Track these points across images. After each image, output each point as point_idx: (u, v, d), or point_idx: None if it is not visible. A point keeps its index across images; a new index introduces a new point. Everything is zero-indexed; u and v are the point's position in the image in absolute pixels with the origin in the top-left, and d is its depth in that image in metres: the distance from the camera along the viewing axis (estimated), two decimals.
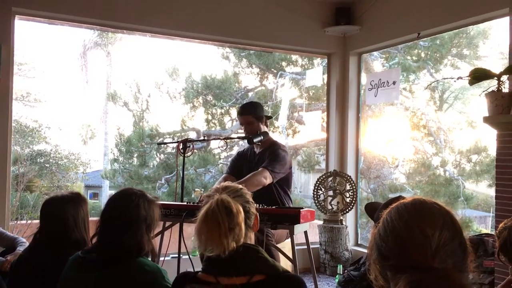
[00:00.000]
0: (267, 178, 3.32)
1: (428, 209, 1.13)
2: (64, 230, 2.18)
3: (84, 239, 2.22)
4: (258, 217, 1.69)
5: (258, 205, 3.03)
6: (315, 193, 4.96)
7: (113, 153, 10.52)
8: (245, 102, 3.68)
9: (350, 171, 5.18)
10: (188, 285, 1.58)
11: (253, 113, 3.52)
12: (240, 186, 1.69)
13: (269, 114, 8.85)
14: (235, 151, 10.01)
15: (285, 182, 3.56)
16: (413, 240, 1.08)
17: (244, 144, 3.73)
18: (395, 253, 1.10)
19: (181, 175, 3.44)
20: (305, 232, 3.16)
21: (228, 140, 6.45)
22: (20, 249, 2.95)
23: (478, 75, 3.23)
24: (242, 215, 1.52)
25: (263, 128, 3.56)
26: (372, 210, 2.78)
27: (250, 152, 3.67)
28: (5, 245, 3.14)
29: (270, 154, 3.46)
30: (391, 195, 7.70)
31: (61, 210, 2.21)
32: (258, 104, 3.71)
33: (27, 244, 3.02)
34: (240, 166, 3.61)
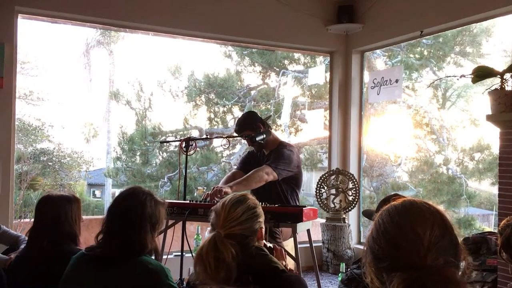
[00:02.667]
0: (269, 174, 3.33)
1: (418, 208, 1.15)
2: (56, 222, 2.28)
3: (75, 233, 2.33)
4: (263, 231, 1.80)
5: (261, 203, 3.04)
6: (317, 191, 4.96)
7: (116, 152, 10.53)
8: (237, 120, 3.69)
9: (353, 169, 5.17)
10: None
11: (249, 128, 3.52)
12: (249, 208, 1.75)
13: (271, 113, 8.89)
14: (237, 149, 10.04)
15: (294, 181, 3.56)
16: (405, 240, 1.10)
17: (246, 142, 3.75)
18: (389, 254, 1.12)
19: (184, 174, 3.45)
20: (308, 231, 3.17)
21: (231, 139, 6.45)
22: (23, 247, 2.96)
23: (481, 73, 3.22)
24: (231, 254, 1.58)
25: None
26: (370, 215, 2.80)
27: (260, 153, 3.68)
28: (8, 243, 3.15)
29: (275, 153, 3.49)
30: (392, 193, 7.67)
31: (54, 205, 2.32)
32: (250, 116, 3.67)
33: None
34: (250, 164, 3.62)
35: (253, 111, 3.99)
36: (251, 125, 3.53)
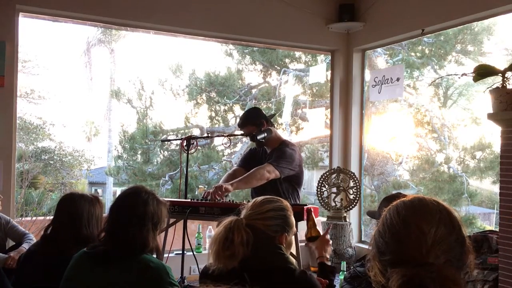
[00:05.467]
0: (270, 172, 3.32)
1: (425, 206, 1.16)
2: (76, 225, 2.22)
3: (94, 238, 2.24)
4: (287, 239, 1.84)
5: None
6: (318, 190, 4.96)
7: (117, 150, 10.55)
8: (242, 114, 3.70)
9: (354, 168, 5.17)
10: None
11: (251, 123, 3.52)
12: (276, 209, 1.83)
13: (272, 112, 8.89)
14: (238, 147, 10.04)
15: (295, 179, 3.56)
16: (409, 236, 1.11)
17: (247, 141, 3.77)
18: (392, 248, 1.13)
19: (185, 172, 3.45)
20: None
21: (232, 137, 6.46)
22: (25, 246, 2.97)
23: (483, 72, 3.21)
24: (240, 238, 1.66)
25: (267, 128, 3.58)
26: (374, 215, 2.81)
27: (262, 151, 3.68)
28: (15, 239, 3.16)
29: (277, 151, 3.49)
30: (395, 192, 7.68)
31: (77, 205, 2.26)
32: (254, 112, 3.68)
33: (35, 241, 3.05)
34: (251, 162, 3.61)
35: (257, 107, 4.00)
36: (255, 120, 3.52)
